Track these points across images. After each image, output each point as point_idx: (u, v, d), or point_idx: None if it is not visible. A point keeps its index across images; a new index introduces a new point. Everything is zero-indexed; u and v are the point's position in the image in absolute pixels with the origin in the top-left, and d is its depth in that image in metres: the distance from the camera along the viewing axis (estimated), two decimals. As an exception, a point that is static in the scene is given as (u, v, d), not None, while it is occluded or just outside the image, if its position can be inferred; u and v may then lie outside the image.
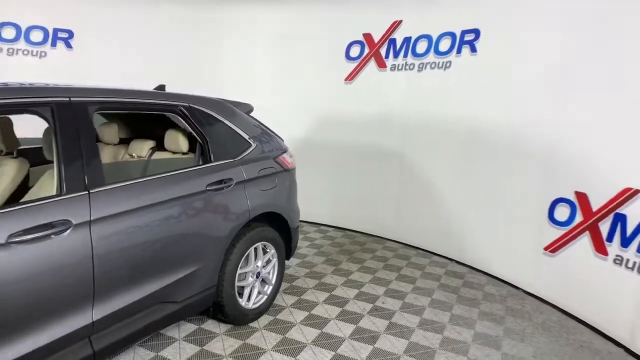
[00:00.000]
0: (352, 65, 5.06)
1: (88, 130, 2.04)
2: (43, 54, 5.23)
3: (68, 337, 1.86)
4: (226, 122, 2.87)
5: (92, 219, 1.90)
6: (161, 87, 3.08)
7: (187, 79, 4.79)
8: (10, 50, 5.09)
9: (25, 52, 5.16)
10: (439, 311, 3.34)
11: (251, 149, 2.96)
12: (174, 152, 2.86)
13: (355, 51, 5.05)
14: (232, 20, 5.43)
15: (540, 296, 3.65)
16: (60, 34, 5.28)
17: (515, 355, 2.79)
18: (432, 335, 2.96)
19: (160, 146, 2.93)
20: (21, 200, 1.96)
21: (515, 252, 3.85)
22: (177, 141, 2.77)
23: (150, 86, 2.98)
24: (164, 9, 5.40)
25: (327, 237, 5.04)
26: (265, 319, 3.06)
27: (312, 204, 4.74)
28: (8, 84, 2.04)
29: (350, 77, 5.07)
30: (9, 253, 1.64)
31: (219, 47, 5.52)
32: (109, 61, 5.34)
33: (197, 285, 2.51)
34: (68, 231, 1.82)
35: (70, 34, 5.32)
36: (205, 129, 2.70)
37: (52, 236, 1.77)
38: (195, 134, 2.68)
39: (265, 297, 3.09)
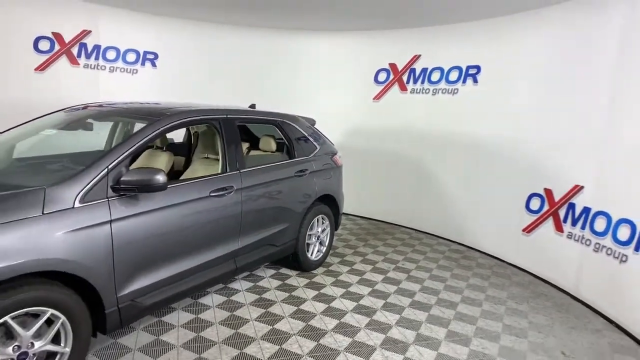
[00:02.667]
0: (380, 87, 6.41)
1: (236, 134, 3.38)
2: (135, 71, 6.63)
3: (226, 255, 3.20)
4: (302, 131, 4.22)
5: (242, 187, 3.25)
6: (252, 106, 4.43)
7: (251, 96, 6.15)
8: (112, 68, 6.49)
9: (122, 70, 6.56)
10: (443, 271, 4.63)
11: (317, 150, 4.31)
12: (265, 151, 4.19)
13: (382, 76, 6.39)
14: (288, 45, 6.80)
15: (519, 265, 4.93)
16: (148, 56, 6.69)
17: (495, 297, 4.07)
18: (438, 284, 4.26)
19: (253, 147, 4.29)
20: (183, 176, 3.31)
21: (501, 234, 5.13)
22: (269, 143, 4.10)
23: (225, 102, 4.32)
24: (228, 34, 6.78)
25: (356, 224, 6.37)
26: (321, 269, 4.38)
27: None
28: (159, 103, 3.41)
29: (378, 97, 6.41)
30: (209, 201, 2.98)
31: (275, 66, 6.88)
32: (184, 78, 6.73)
33: (286, 237, 3.84)
34: (232, 192, 3.16)
35: (156, 56, 6.72)
36: (290, 136, 4.05)
37: (225, 194, 3.11)
38: (284, 139, 4.02)
39: (322, 254, 4.42)
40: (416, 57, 6.06)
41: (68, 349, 2.22)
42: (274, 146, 4.10)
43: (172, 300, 2.85)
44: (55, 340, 2.19)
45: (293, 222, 3.90)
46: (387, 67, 6.33)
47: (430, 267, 4.72)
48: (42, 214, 2.10)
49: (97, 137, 3.88)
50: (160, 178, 2.44)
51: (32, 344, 2.08)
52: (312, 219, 4.16)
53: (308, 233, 4.15)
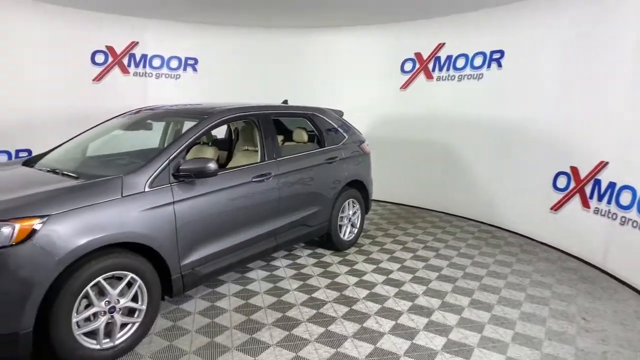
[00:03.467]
0: (406, 77, 6.66)
1: (272, 128, 3.81)
2: (178, 76, 7.24)
3: (267, 233, 3.63)
4: (331, 122, 4.59)
5: (279, 173, 3.67)
6: (285, 101, 4.84)
7: (283, 92, 6.58)
8: (157, 75, 7.12)
9: (167, 76, 7.18)
10: (471, 249, 4.88)
11: (345, 139, 4.66)
12: (297, 142, 4.59)
13: (408, 66, 6.64)
14: (315, 43, 7.18)
15: (548, 243, 5.08)
16: (189, 61, 7.27)
17: (520, 270, 4.29)
18: (465, 260, 4.52)
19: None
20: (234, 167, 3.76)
21: (529, 213, 5.29)
22: (301, 135, 4.49)
23: (260, 99, 4.74)
24: (260, 35, 7.24)
25: (386, 209, 6.68)
26: (353, 249, 4.75)
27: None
28: (200, 104, 3.86)
29: (405, 86, 6.67)
30: (251, 186, 3.42)
31: (304, 63, 7.28)
32: (222, 79, 7.26)
33: (320, 218, 4.23)
34: (271, 178, 3.59)
35: (196, 61, 7.30)
36: (320, 127, 4.43)
37: (265, 180, 3.54)
38: (315, 130, 4.41)
39: (353, 235, 4.78)
40: (441, 45, 6.26)
41: (144, 307, 2.73)
42: (305, 137, 4.49)
43: (224, 270, 3.32)
44: (134, 299, 2.69)
45: (325, 205, 4.28)
46: (413, 56, 6.57)
47: (458, 246, 4.97)
48: (122, 196, 2.60)
49: (151, 136, 4.44)
50: (212, 165, 2.91)
51: (118, 300, 2.59)
52: (342, 202, 4.53)
53: (340, 215, 4.53)
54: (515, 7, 5.33)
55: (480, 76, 5.83)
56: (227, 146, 4.93)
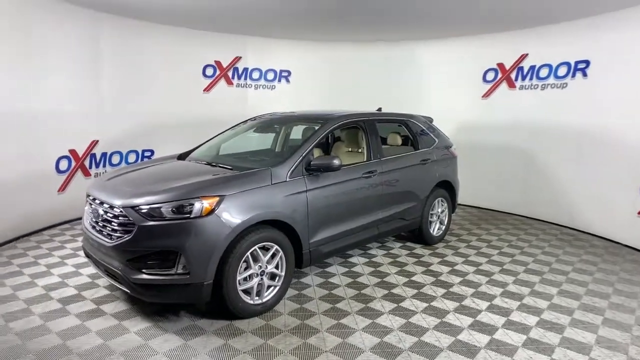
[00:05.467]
0: (488, 86, 6.98)
1: (377, 132, 4.40)
2: (273, 87, 8.10)
3: (372, 222, 4.21)
4: (423, 127, 5.10)
5: (382, 171, 4.24)
6: (379, 109, 5.41)
7: (368, 101, 7.17)
8: (256, 86, 8.02)
9: (264, 87, 8.06)
10: (555, 249, 5.12)
11: (436, 143, 5.14)
12: (391, 145, 5.13)
13: (490, 75, 6.96)
14: (401, 54, 7.72)
15: (633, 246, 5.18)
16: (283, 73, 8.10)
17: (607, 269, 4.49)
18: (550, 258, 4.79)
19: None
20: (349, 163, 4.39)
21: (615, 217, 5.41)
22: (396, 138, 5.03)
23: (348, 107, 5.33)
24: (349, 49, 7.91)
25: (468, 212, 7.01)
26: (441, 244, 5.19)
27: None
28: (294, 112, 4.51)
29: (486, 95, 6.99)
30: (362, 181, 4.03)
31: (390, 73, 7.84)
32: (313, 90, 8.00)
33: (414, 213, 4.74)
34: (376, 175, 4.17)
35: (289, 73, 8.12)
36: (415, 131, 4.95)
37: (372, 176, 4.13)
38: (410, 134, 4.94)
39: (441, 231, 5.23)
40: (524, 56, 6.53)
41: (283, 273, 3.41)
42: (399, 141, 5.02)
43: (338, 251, 3.95)
44: (276, 267, 3.38)
45: (419, 201, 4.78)
46: (495, 66, 6.88)
47: (542, 246, 5.23)
48: (271, 184, 3.30)
49: (265, 138, 5.21)
50: (337, 162, 3.54)
51: (267, 266, 3.28)
52: (433, 200, 5.00)
53: (430, 212, 5.00)
54: (601, 18, 5.50)
55: (564, 85, 6.03)
56: (324, 147, 5.58)
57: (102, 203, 3.23)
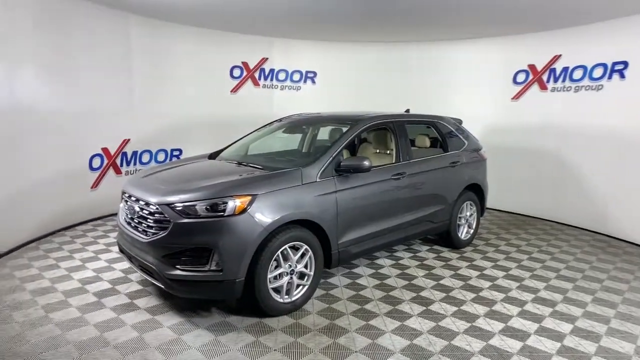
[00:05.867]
0: (518, 87, 6.84)
1: (406, 133, 4.37)
2: (299, 88, 8.14)
3: (400, 224, 4.18)
4: (452, 128, 5.04)
5: (411, 173, 4.21)
6: (407, 110, 5.37)
7: (396, 102, 7.12)
8: (282, 87, 8.09)
9: (289, 88, 8.11)
10: (588, 255, 4.97)
11: (465, 145, 5.07)
12: (419, 147, 5.09)
13: (521, 77, 6.82)
14: (429, 55, 7.66)
15: (673, 255, 4.99)
16: (309, 74, 8.14)
17: (644, 278, 4.34)
18: (583, 264, 4.66)
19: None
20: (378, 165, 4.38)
21: (653, 224, 5.22)
22: (424, 140, 4.98)
23: (371, 108, 5.29)
24: (374, 50, 7.88)
25: (497, 217, 6.88)
26: (469, 248, 5.11)
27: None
28: (320, 113, 4.51)
29: (517, 96, 6.85)
30: (391, 182, 4.01)
31: (418, 74, 7.78)
32: (338, 91, 8.02)
33: (442, 216, 4.69)
34: (405, 177, 4.15)
35: (315, 74, 8.15)
36: (444, 133, 4.90)
37: (401, 178, 4.11)
38: (439, 136, 4.89)
39: (470, 235, 5.15)
40: (556, 57, 6.37)
41: (312, 273, 3.43)
42: (428, 143, 4.97)
43: (366, 252, 3.94)
44: (305, 267, 3.40)
45: (447, 204, 4.72)
46: (526, 68, 6.74)
47: (574, 252, 5.09)
48: (302, 184, 3.33)
49: (291, 139, 5.24)
50: (367, 163, 3.54)
51: (296, 265, 3.31)
52: (462, 203, 4.94)
53: (459, 215, 4.94)
54: (637, 18, 5.33)
55: (600, 87, 5.86)
56: (351, 149, 5.59)
57: (138, 200, 3.32)
